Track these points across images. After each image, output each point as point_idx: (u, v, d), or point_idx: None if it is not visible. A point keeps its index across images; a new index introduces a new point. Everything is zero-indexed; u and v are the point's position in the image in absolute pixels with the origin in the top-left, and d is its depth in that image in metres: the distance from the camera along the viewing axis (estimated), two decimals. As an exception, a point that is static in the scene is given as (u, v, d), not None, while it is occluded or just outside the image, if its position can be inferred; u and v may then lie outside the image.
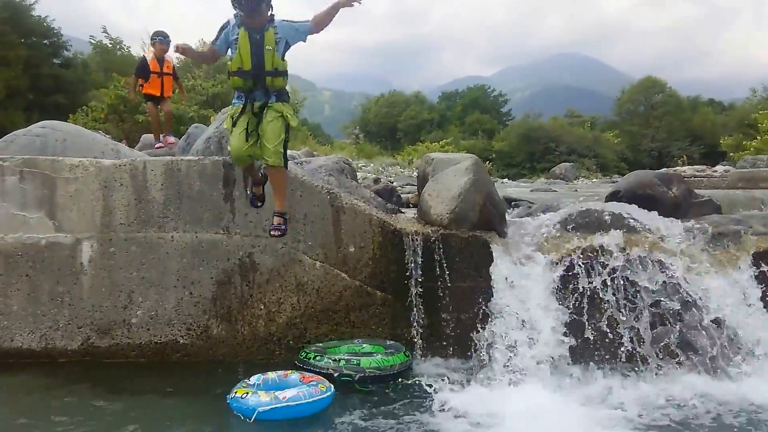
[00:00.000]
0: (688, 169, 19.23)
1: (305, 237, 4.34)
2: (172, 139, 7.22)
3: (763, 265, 4.19)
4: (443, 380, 3.70)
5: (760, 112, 28.20)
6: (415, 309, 4.26)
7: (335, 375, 3.69)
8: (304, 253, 4.33)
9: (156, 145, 7.09)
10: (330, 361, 3.79)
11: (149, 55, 7.28)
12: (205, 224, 4.32)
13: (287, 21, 3.52)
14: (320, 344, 4.12)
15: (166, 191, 4.33)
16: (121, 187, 4.33)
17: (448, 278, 4.24)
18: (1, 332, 4.22)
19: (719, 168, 19.81)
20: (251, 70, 3.45)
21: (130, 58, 30.06)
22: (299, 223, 4.33)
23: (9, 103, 25.31)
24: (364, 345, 4.10)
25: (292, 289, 4.29)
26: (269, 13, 3.43)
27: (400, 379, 3.86)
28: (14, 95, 25.92)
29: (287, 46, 3.53)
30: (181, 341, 4.26)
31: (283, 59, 3.51)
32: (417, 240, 4.28)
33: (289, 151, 3.71)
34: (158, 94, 7.26)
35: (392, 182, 11.19)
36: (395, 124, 51.30)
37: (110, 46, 33.05)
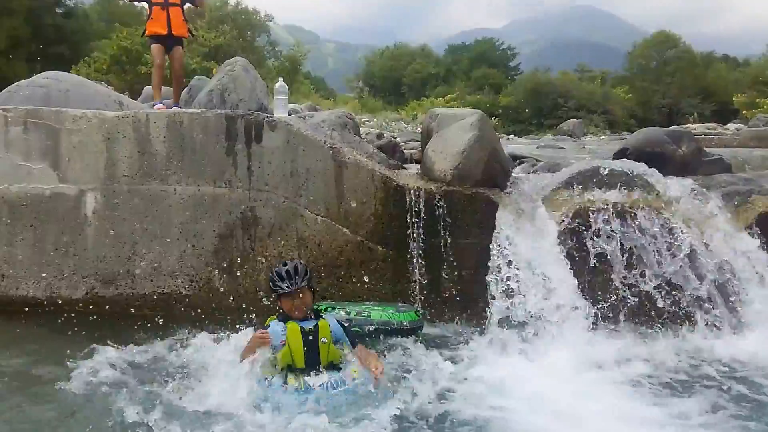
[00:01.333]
0: (698, 127, 18.93)
1: (307, 192, 4.32)
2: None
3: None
4: (445, 339, 3.68)
5: (776, 68, 27.51)
6: (416, 265, 4.28)
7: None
8: (306, 208, 4.32)
9: (156, 106, 5.34)
10: (342, 313, 3.77)
11: None
12: (207, 177, 4.30)
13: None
14: (331, 303, 4.11)
15: (168, 144, 4.30)
16: (124, 140, 4.30)
17: (450, 235, 4.24)
18: (6, 281, 4.29)
19: (731, 126, 19.49)
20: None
21: (132, 8, 29.34)
22: (301, 178, 4.30)
23: (12, 52, 24.97)
24: (376, 307, 4.03)
25: (293, 244, 4.31)
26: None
27: (411, 337, 3.84)
28: (17, 45, 25.53)
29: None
30: (183, 292, 4.32)
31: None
32: (420, 196, 4.25)
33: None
34: (165, 32, 5.67)
35: (395, 138, 11.04)
36: (400, 79, 50.38)
37: (111, -6, 32.29)
